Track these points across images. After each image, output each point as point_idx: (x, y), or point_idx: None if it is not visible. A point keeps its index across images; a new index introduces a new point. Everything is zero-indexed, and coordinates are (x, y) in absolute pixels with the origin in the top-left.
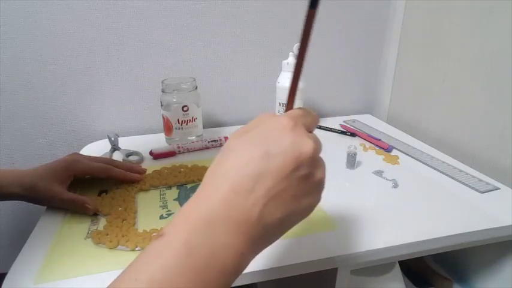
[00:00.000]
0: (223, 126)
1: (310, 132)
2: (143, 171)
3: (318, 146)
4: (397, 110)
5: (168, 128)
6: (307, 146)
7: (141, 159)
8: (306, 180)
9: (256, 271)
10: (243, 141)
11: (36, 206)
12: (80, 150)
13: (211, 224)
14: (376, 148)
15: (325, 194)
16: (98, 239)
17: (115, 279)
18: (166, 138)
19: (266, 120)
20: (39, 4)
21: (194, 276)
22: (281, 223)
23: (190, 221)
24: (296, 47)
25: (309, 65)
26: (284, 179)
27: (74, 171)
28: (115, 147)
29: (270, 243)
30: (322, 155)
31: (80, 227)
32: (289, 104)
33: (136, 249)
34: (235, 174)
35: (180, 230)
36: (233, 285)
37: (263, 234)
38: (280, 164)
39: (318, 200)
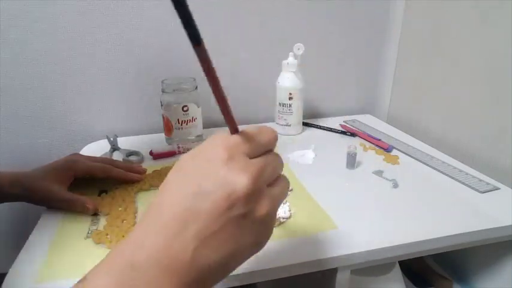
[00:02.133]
0: (223, 126)
1: (263, 153)
2: (143, 171)
3: (256, 178)
4: (397, 110)
5: (168, 128)
6: (239, 183)
7: (141, 159)
8: (244, 219)
9: (256, 271)
10: (176, 177)
11: (36, 206)
12: (80, 150)
13: (138, 268)
14: (376, 148)
15: (325, 194)
16: (98, 239)
17: None
18: (166, 138)
19: (203, 151)
20: (39, 4)
21: None
22: (221, 265)
23: (116, 265)
24: (296, 47)
25: (309, 65)
26: (216, 219)
27: (74, 171)
28: (115, 147)
29: (211, 285)
30: (322, 154)
31: (80, 227)
32: (230, 126)
33: None
34: (166, 214)
35: (102, 274)
36: (233, 285)
37: (200, 278)
38: (210, 204)
39: (267, 233)
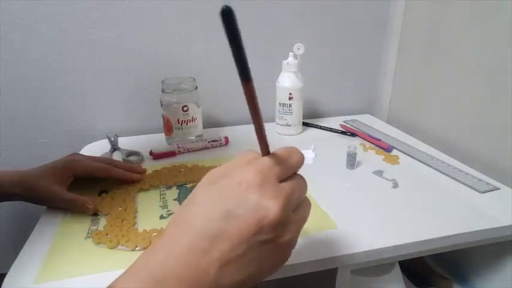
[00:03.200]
0: (223, 126)
1: (287, 179)
2: (143, 171)
3: (286, 205)
4: (397, 110)
5: (168, 128)
6: (270, 210)
7: (141, 159)
8: (268, 244)
9: None
10: (206, 194)
11: (36, 206)
12: (80, 150)
13: (161, 282)
14: (376, 148)
15: (325, 194)
16: (98, 239)
17: None
18: (166, 138)
19: (235, 171)
20: (39, 4)
21: None
22: (241, 284)
23: (141, 276)
24: (296, 47)
25: (309, 65)
26: (243, 243)
27: (74, 171)
28: (115, 147)
29: None
30: (322, 154)
31: (80, 227)
32: (263, 149)
33: (137, 249)
34: (193, 232)
35: (127, 284)
36: None
37: None
38: (240, 227)
39: (286, 258)
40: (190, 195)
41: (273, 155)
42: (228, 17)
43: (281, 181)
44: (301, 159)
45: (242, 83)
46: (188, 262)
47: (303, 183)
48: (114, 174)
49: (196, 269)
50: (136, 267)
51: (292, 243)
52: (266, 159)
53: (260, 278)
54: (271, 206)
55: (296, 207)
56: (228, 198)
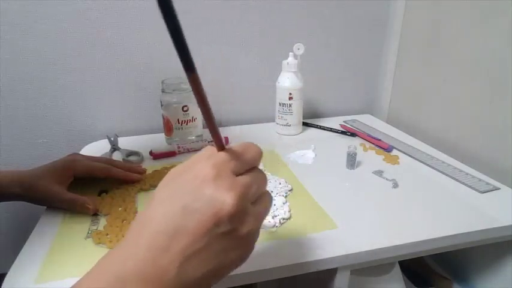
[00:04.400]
0: (223, 126)
1: (248, 169)
2: (143, 171)
3: (242, 197)
4: (397, 110)
5: (168, 128)
6: (226, 202)
7: (141, 159)
8: (229, 235)
9: (256, 271)
10: (164, 191)
11: (36, 206)
12: (80, 150)
13: (124, 280)
14: (376, 148)
15: (325, 194)
16: (98, 239)
17: None
18: (166, 138)
19: (193, 166)
20: (39, 4)
21: None
22: (204, 279)
23: (105, 276)
24: (296, 47)
25: (309, 65)
26: (202, 236)
27: (73, 171)
28: (115, 147)
29: None
30: (322, 154)
31: (80, 227)
32: (217, 143)
33: None
34: (152, 231)
35: (93, 285)
36: (233, 285)
37: None
38: (198, 221)
39: (249, 250)
40: (152, 194)
41: (229, 150)
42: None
43: (237, 175)
44: (258, 155)
45: (186, 75)
46: (148, 260)
47: (261, 177)
48: (114, 174)
49: (157, 266)
50: (100, 267)
51: (252, 235)
52: (221, 154)
53: (224, 272)
54: (226, 198)
55: (255, 200)
56: (184, 194)
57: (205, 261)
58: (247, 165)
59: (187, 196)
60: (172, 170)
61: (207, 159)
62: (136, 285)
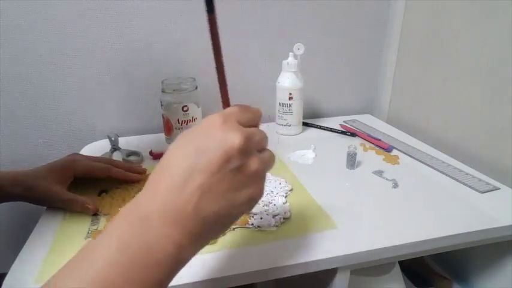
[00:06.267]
0: None
1: (246, 125)
2: (143, 171)
3: (249, 138)
4: (397, 110)
5: (168, 128)
6: (234, 139)
7: (141, 160)
8: (239, 172)
9: (256, 271)
10: (179, 141)
11: (36, 206)
12: (80, 150)
13: (147, 220)
14: (376, 148)
15: (325, 194)
16: None
17: (53, 276)
18: (166, 138)
19: (203, 121)
20: (39, 4)
21: (127, 271)
22: (219, 216)
23: (127, 219)
24: (296, 47)
25: (309, 65)
26: (215, 173)
27: (74, 171)
28: (115, 147)
29: (211, 238)
30: (322, 154)
31: (80, 227)
32: (224, 103)
33: None
34: (169, 173)
35: (115, 228)
36: (233, 285)
37: (201, 228)
38: (210, 159)
39: (259, 192)
40: (168, 146)
41: (233, 106)
42: None
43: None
44: (258, 112)
45: (208, 15)
46: (168, 200)
47: (263, 133)
48: (114, 174)
49: (177, 204)
50: (121, 214)
51: (260, 175)
52: (231, 108)
53: (236, 212)
54: (235, 136)
55: (259, 151)
56: (197, 139)
57: (219, 197)
58: (249, 120)
59: (199, 140)
60: (183, 131)
61: (214, 114)
62: (158, 223)
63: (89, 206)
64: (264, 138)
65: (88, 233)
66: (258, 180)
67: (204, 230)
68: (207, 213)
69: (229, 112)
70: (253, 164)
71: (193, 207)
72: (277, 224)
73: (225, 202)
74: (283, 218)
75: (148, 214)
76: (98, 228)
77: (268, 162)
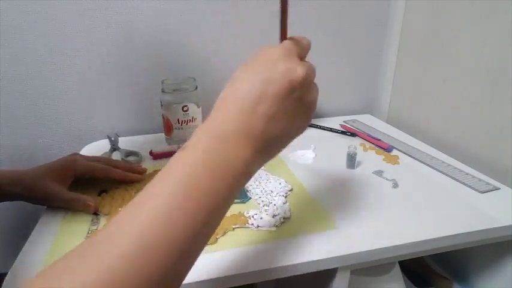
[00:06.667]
0: None
1: (302, 58)
2: (143, 171)
3: (310, 71)
4: (397, 110)
5: (168, 128)
6: (299, 72)
7: (140, 160)
8: (298, 102)
9: (256, 271)
10: (245, 71)
11: (36, 206)
12: (80, 150)
13: (223, 138)
14: (376, 148)
15: (325, 194)
16: None
17: (149, 183)
18: (166, 138)
19: (264, 52)
20: (39, 4)
21: (212, 177)
22: (280, 138)
23: (207, 135)
24: None
25: None
26: (280, 101)
27: (74, 171)
28: (115, 147)
29: (272, 156)
30: (322, 154)
31: (80, 227)
32: (283, 35)
33: None
34: (241, 99)
35: (198, 142)
36: (233, 285)
37: (266, 147)
38: (277, 89)
39: (309, 120)
40: (231, 78)
41: (291, 38)
42: None
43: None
44: (309, 43)
45: None
46: (241, 121)
47: (313, 66)
48: (114, 174)
49: (248, 126)
50: (200, 133)
51: (314, 104)
52: (286, 41)
53: (291, 135)
54: (298, 68)
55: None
56: (263, 70)
57: (282, 121)
58: (305, 52)
59: (266, 71)
60: (249, 59)
61: (274, 47)
62: (234, 140)
63: (91, 203)
64: (314, 70)
65: (88, 233)
66: (311, 109)
67: (268, 149)
68: (272, 135)
69: (290, 45)
70: (311, 95)
71: (261, 130)
72: (277, 224)
73: (285, 126)
74: (283, 218)
75: (225, 133)
76: (98, 228)
77: (317, 93)
